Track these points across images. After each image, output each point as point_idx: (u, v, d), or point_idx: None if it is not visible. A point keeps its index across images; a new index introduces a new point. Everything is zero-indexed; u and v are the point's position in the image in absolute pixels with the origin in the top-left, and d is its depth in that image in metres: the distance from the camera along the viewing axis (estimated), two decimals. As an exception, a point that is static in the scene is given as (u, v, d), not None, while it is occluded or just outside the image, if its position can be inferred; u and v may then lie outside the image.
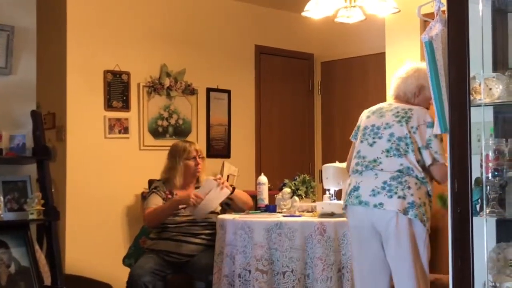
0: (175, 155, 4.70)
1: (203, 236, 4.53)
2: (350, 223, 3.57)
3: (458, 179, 2.47)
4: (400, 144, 3.40)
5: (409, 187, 3.32)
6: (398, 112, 3.50)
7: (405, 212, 3.29)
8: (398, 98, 3.61)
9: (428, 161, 3.38)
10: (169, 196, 4.62)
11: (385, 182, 3.36)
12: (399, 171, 3.36)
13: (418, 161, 3.36)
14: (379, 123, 3.53)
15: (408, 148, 3.37)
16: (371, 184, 3.40)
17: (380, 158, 3.44)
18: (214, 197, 4.39)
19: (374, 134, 3.51)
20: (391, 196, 3.32)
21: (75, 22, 5.41)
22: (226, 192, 4.44)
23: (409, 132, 3.39)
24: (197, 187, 4.69)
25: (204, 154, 4.86)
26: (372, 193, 3.38)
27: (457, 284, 2.45)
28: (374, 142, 3.50)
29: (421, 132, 3.40)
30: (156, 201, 4.58)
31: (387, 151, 3.42)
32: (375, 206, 3.35)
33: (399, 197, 3.30)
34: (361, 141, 3.56)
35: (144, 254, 4.57)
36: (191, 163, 4.66)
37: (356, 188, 3.46)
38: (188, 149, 4.67)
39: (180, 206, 4.46)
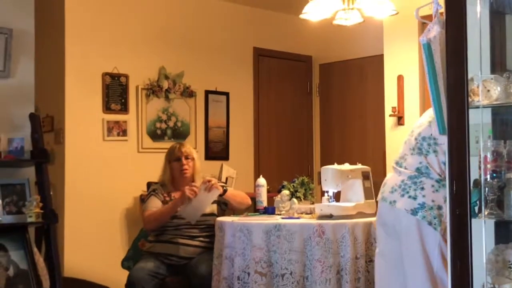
0: (166, 157, 4.73)
1: (201, 239, 4.52)
2: (376, 218, 3.57)
3: (457, 181, 2.47)
4: (423, 144, 3.36)
5: (422, 188, 3.28)
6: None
7: (413, 212, 3.26)
8: None
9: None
10: (167, 198, 4.62)
11: (403, 181, 3.34)
12: (417, 170, 3.33)
13: (443, 163, 3.26)
14: (417, 121, 3.51)
15: (429, 148, 3.31)
16: (394, 181, 3.39)
17: (406, 155, 3.41)
18: (202, 199, 4.38)
19: (411, 132, 3.50)
20: (403, 195, 3.31)
21: (73, 25, 5.41)
22: (216, 193, 4.43)
23: (433, 132, 3.30)
24: None
25: (194, 153, 4.76)
26: (391, 190, 3.37)
27: (456, 286, 2.45)
28: (408, 139, 3.48)
29: None
30: (155, 204, 4.58)
31: (413, 149, 3.38)
32: (390, 203, 3.35)
33: (409, 197, 3.28)
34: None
35: (142, 256, 4.56)
36: (176, 164, 4.64)
37: (383, 184, 3.47)
38: (175, 151, 4.67)
39: (178, 209, 4.46)
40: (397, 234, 3.37)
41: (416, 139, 3.42)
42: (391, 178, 3.45)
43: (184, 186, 4.56)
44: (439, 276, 3.26)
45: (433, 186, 3.29)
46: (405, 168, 3.38)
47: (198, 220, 4.51)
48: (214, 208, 4.65)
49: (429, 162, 3.29)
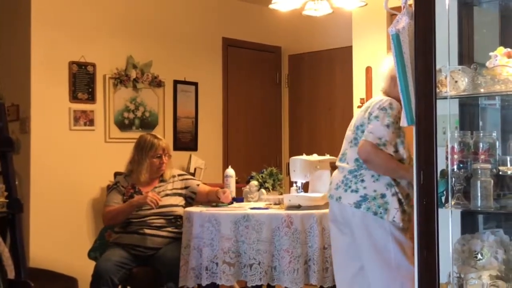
0: (141, 149, 4.69)
1: (168, 229, 4.52)
2: (328, 215, 3.61)
3: (424, 171, 2.49)
4: (357, 133, 3.41)
5: (362, 180, 3.33)
6: (370, 103, 3.47)
7: (356, 205, 3.30)
8: (382, 90, 3.52)
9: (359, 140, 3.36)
10: (131, 190, 4.62)
11: (344, 176, 3.40)
12: (356, 161, 3.37)
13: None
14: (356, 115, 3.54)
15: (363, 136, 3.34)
16: (337, 178, 3.45)
17: (347, 149, 3.47)
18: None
19: (349, 127, 3.53)
20: (346, 190, 3.36)
21: (40, 12, 5.33)
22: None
23: (366, 119, 3.37)
24: (161, 181, 4.70)
25: (171, 149, 4.85)
26: (336, 186, 3.43)
27: (422, 275, 2.48)
28: (346, 135, 3.51)
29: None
30: (115, 199, 4.60)
31: (351, 141, 3.44)
32: (336, 199, 3.39)
33: (352, 191, 3.33)
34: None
35: (109, 247, 4.53)
36: (156, 161, 4.66)
37: (330, 182, 3.53)
38: (155, 146, 4.66)
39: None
40: (350, 229, 3.40)
41: (352, 131, 3.45)
42: (335, 175, 3.50)
43: (155, 180, 4.63)
44: (398, 263, 3.27)
45: (373, 176, 3.32)
46: (347, 163, 3.42)
47: (166, 211, 4.51)
48: (180, 200, 4.65)
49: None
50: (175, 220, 4.56)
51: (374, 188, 3.31)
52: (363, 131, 3.36)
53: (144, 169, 4.64)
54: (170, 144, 5.31)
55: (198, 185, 4.77)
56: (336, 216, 3.47)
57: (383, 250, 3.29)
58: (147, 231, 4.47)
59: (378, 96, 3.48)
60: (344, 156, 3.48)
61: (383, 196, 3.29)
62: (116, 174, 5.04)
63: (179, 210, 4.56)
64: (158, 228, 4.50)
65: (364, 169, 3.34)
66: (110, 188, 4.72)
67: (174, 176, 4.77)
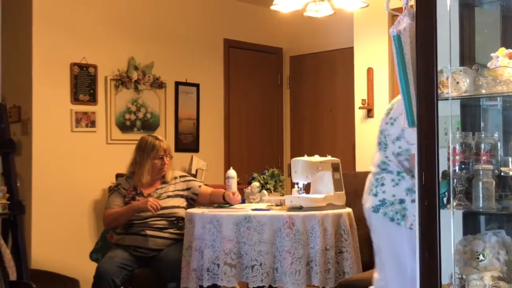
0: (143, 150, 4.69)
1: (170, 231, 4.52)
2: None
3: (426, 172, 2.48)
4: (381, 138, 3.26)
5: (382, 184, 3.19)
6: (392, 104, 3.33)
7: (375, 210, 3.18)
8: None
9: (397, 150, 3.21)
10: (132, 192, 4.62)
11: (369, 180, 3.28)
12: (379, 166, 3.25)
13: (398, 154, 3.18)
14: None
15: (386, 140, 3.21)
16: (367, 181, 3.33)
17: (375, 153, 3.31)
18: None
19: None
20: (369, 194, 3.24)
21: (41, 14, 5.33)
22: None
23: (387, 123, 3.24)
24: (163, 182, 4.70)
25: (172, 150, 4.84)
26: (365, 190, 3.31)
27: (424, 276, 2.47)
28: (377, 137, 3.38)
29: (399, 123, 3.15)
30: (116, 201, 4.60)
31: (378, 145, 3.29)
32: (363, 204, 3.30)
33: (373, 195, 3.21)
34: None
35: (111, 248, 4.54)
36: (158, 162, 4.65)
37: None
38: (157, 148, 4.65)
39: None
40: (374, 234, 3.30)
41: (378, 135, 3.30)
42: (367, 179, 3.36)
43: (156, 181, 4.64)
44: (412, 271, 2.95)
45: (393, 180, 3.19)
46: (373, 166, 3.35)
47: (167, 212, 4.51)
48: (182, 201, 4.65)
49: (388, 156, 3.20)
50: (177, 222, 4.57)
51: (393, 193, 3.17)
52: (385, 136, 3.22)
53: (146, 170, 4.64)
54: (171, 146, 5.32)
55: (200, 186, 4.77)
56: (368, 221, 3.33)
57: (400, 256, 3.16)
58: (149, 232, 4.48)
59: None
60: (373, 159, 3.35)
61: (401, 201, 3.14)
62: (118, 176, 5.04)
63: (181, 212, 4.56)
64: (160, 229, 4.50)
65: (385, 172, 3.21)
66: (111, 190, 4.73)
67: (175, 178, 4.77)
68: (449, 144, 2.57)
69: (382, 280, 3.29)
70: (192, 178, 4.94)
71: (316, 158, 4.32)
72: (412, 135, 3.12)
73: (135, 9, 5.96)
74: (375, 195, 3.22)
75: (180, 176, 4.82)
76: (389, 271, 3.25)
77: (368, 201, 3.25)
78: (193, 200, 4.73)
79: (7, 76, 5.27)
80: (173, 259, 4.29)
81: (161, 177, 4.72)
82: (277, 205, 4.29)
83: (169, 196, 4.64)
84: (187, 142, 6.37)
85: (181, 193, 4.70)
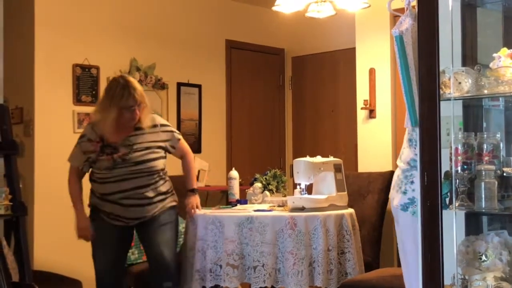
0: (111, 97, 3.95)
1: (160, 190, 4.08)
2: None
3: (428, 172, 2.48)
4: (412, 134, 3.09)
5: (412, 182, 3.07)
6: None
7: (403, 208, 3.07)
8: None
9: None
10: (99, 144, 4.01)
11: (398, 176, 3.15)
12: (409, 163, 3.10)
13: None
14: None
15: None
16: (394, 177, 3.21)
17: (404, 148, 3.17)
18: None
19: None
20: (397, 191, 3.12)
21: (43, 15, 5.34)
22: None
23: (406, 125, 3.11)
24: (137, 129, 4.04)
25: (147, 100, 4.03)
26: (392, 186, 3.20)
27: (426, 277, 2.47)
28: (406, 132, 3.30)
29: None
30: (78, 158, 4.10)
31: (408, 141, 3.13)
32: (390, 200, 3.23)
33: (402, 192, 3.09)
34: None
35: (91, 216, 4.23)
36: (127, 114, 3.94)
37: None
38: (125, 97, 3.90)
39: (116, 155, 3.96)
40: (399, 232, 3.16)
41: (409, 132, 3.12)
42: (395, 174, 3.25)
43: (125, 131, 4.00)
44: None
45: None
46: (402, 163, 3.26)
47: (147, 167, 4.01)
48: (162, 153, 4.12)
49: (417, 154, 3.02)
50: (158, 177, 4.07)
51: None
52: (417, 133, 3.16)
53: (109, 121, 3.92)
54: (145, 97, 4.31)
55: (179, 140, 4.22)
56: (395, 218, 3.29)
57: None
58: (131, 202, 4.03)
59: None
60: (402, 154, 3.27)
61: None
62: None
63: (161, 163, 4.05)
64: (146, 197, 4.03)
65: (415, 170, 3.04)
66: (77, 142, 4.11)
67: (155, 126, 4.10)
68: (451, 145, 2.58)
69: (407, 280, 3.24)
70: (173, 128, 4.27)
71: (318, 158, 4.32)
72: None
73: (137, 11, 5.96)
74: (404, 192, 3.11)
75: (161, 125, 4.14)
76: (413, 271, 3.17)
77: (396, 198, 3.13)
78: (168, 152, 4.16)
79: (9, 77, 5.27)
80: (168, 259, 4.12)
81: (133, 127, 4.03)
82: (279, 206, 4.29)
83: (147, 148, 4.02)
84: (189, 143, 6.26)
85: (162, 144, 4.10)
